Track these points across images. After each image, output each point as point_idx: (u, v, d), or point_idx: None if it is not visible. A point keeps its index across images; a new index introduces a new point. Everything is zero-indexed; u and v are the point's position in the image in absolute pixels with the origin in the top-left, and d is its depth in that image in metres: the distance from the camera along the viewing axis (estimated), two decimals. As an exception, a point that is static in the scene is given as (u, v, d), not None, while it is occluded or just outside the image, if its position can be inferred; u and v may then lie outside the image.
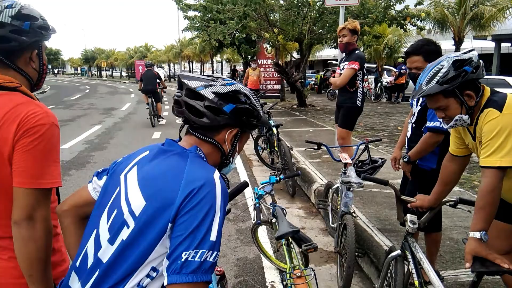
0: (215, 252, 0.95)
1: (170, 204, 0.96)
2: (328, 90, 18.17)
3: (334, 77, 4.60)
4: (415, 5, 11.46)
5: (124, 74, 64.10)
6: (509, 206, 1.90)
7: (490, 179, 1.63)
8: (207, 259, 0.93)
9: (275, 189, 5.02)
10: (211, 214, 0.96)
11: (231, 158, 1.20)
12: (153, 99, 10.67)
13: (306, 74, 25.13)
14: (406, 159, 2.63)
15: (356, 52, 4.40)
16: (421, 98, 2.56)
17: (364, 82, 15.62)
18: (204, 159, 1.12)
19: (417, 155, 2.54)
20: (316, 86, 23.89)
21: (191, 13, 14.36)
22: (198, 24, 14.39)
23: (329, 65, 24.58)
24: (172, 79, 49.39)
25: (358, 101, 4.42)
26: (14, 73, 1.24)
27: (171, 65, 52.97)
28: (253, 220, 2.80)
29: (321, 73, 25.09)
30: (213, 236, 0.94)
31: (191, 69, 43.62)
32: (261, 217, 2.70)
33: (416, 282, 1.95)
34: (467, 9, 12.80)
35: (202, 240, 0.93)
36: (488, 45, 23.80)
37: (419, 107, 2.65)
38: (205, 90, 1.10)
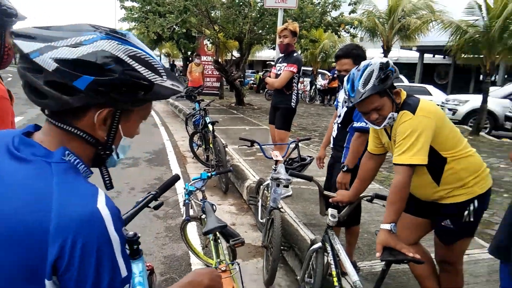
0: (129, 284, 0.76)
1: (38, 260, 0.67)
2: (266, 90, 18.48)
3: (270, 76, 4.63)
4: (349, 13, 12.08)
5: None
6: (418, 201, 2.09)
7: (401, 176, 1.78)
8: None
9: (209, 186, 5.05)
10: (107, 257, 0.71)
11: (113, 147, 0.85)
12: None
13: (246, 74, 25.33)
14: (345, 169, 2.60)
15: (295, 54, 4.47)
16: (345, 101, 2.71)
17: (300, 85, 16.09)
18: (80, 166, 0.79)
19: (353, 160, 2.57)
20: (255, 85, 24.18)
21: (128, 3, 13.80)
22: (136, 15, 13.86)
23: (268, 66, 25.00)
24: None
25: (292, 103, 4.49)
26: None
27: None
28: (183, 217, 2.78)
29: (260, 74, 25.44)
30: (123, 272, 0.74)
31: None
32: (191, 214, 2.69)
33: (334, 272, 2.07)
34: (395, 20, 13.76)
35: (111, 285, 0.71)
36: (413, 55, 25.81)
37: (345, 109, 2.80)
38: (42, 57, 0.71)
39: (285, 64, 4.39)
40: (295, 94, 4.51)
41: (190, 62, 26.04)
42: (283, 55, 4.52)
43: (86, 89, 0.72)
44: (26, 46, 0.71)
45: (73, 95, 0.73)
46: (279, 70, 4.48)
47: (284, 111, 4.51)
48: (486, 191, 1.96)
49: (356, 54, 2.66)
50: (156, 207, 1.73)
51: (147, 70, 0.78)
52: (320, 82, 18.57)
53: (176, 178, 2.03)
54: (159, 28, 11.59)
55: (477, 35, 9.37)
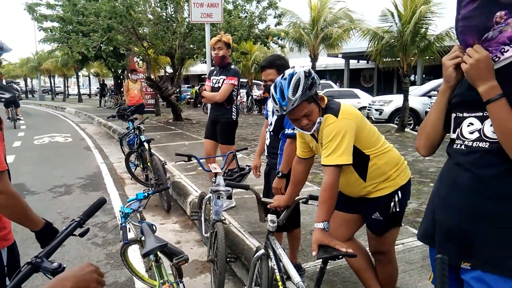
0: None
1: None
2: (204, 104, 18.43)
3: (205, 90, 4.49)
4: (275, 25, 12.53)
5: (-34, 91, 54.49)
6: (347, 198, 2.21)
7: (329, 176, 1.88)
8: None
9: (151, 206, 4.91)
10: None
11: None
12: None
13: (182, 89, 25.08)
14: (280, 175, 2.67)
15: (232, 67, 4.40)
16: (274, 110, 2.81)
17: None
18: None
19: (287, 165, 2.64)
20: (192, 100, 24.03)
21: (48, 24, 13.08)
22: (57, 36, 13.16)
23: (204, 80, 24.96)
24: (30, 95, 43.95)
25: (233, 116, 4.42)
26: None
27: (28, 80, 47.11)
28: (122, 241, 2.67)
29: (197, 88, 25.33)
30: None
31: (52, 84, 39.39)
32: (131, 236, 2.59)
33: (278, 277, 2.12)
34: (318, 30, 14.51)
35: None
36: (339, 62, 27.31)
37: (275, 117, 2.90)
38: None
39: (223, 77, 4.30)
40: (235, 107, 4.46)
41: (121, 80, 25.39)
42: (218, 67, 4.41)
43: None
44: None
45: None
46: (216, 83, 4.36)
47: (226, 125, 4.42)
48: (407, 181, 2.13)
49: (279, 64, 2.77)
50: (81, 234, 1.64)
51: None
52: (256, 92, 18.95)
53: (101, 201, 1.94)
54: (83, 47, 11.11)
55: (393, 40, 10.19)
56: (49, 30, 13.24)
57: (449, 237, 1.40)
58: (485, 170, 1.31)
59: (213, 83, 4.41)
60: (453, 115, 1.42)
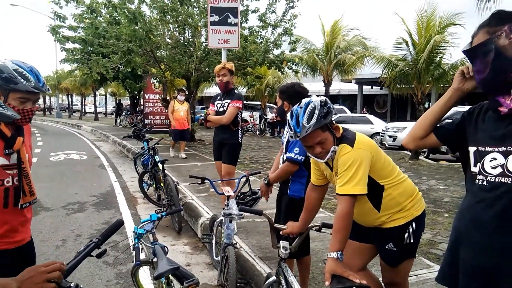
0: None
1: None
2: (216, 125, 18.62)
3: (209, 114, 4.68)
4: (290, 51, 12.74)
5: None
6: (362, 228, 2.20)
7: (344, 205, 1.88)
8: None
9: (162, 227, 4.93)
10: None
11: None
12: None
13: (196, 110, 25.43)
14: (266, 182, 2.98)
15: (236, 91, 4.62)
16: (287, 134, 2.87)
17: (250, 118, 16.51)
18: None
19: (275, 180, 2.91)
20: (205, 121, 24.27)
21: (70, 45, 13.54)
22: (78, 57, 13.60)
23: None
24: (47, 112, 45.04)
25: (239, 138, 4.62)
26: None
27: (47, 98, 48.39)
28: (134, 262, 2.68)
29: (205, 111, 25.61)
30: None
31: (70, 102, 40.35)
32: (142, 257, 2.61)
33: (289, 305, 2.10)
34: (332, 56, 14.71)
35: None
36: (353, 87, 27.44)
37: (285, 140, 2.96)
38: None
39: (228, 101, 4.49)
40: (240, 129, 4.65)
41: (137, 100, 25.89)
42: (221, 93, 4.62)
43: None
44: None
45: None
46: (220, 107, 4.56)
47: (233, 147, 4.59)
48: (422, 212, 2.12)
49: (279, 90, 3.06)
50: (99, 255, 1.67)
51: None
52: (269, 115, 19.11)
53: (119, 223, 1.97)
54: (102, 69, 11.45)
55: (407, 68, 10.26)
56: (70, 51, 13.69)
57: (475, 277, 1.37)
58: (510, 206, 1.30)
59: (217, 107, 4.61)
60: (473, 148, 1.42)
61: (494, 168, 1.35)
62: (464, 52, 1.33)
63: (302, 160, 2.73)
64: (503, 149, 1.32)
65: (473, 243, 1.39)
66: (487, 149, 1.37)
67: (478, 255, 1.37)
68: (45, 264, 1.22)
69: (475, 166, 1.41)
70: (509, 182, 1.30)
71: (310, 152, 2.05)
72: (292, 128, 1.98)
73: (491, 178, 1.35)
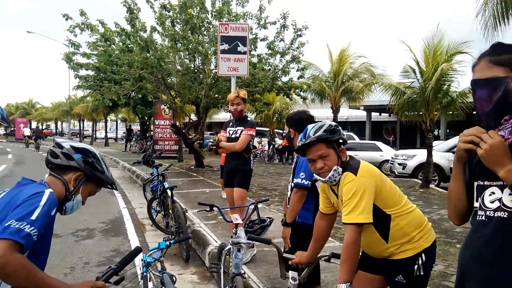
0: (33, 227, 1.35)
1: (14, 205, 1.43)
2: (225, 151, 18.70)
3: (221, 140, 4.66)
4: (298, 78, 12.93)
5: (0, 131, 57.32)
6: (371, 259, 2.18)
7: (350, 234, 1.88)
8: (25, 229, 1.33)
9: (170, 255, 4.89)
10: (35, 205, 1.40)
11: (73, 196, 1.66)
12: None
13: (204, 135, 25.65)
14: (282, 222, 2.83)
15: (249, 119, 4.67)
16: (295, 161, 2.94)
17: (258, 145, 16.50)
18: (46, 185, 1.57)
19: (291, 214, 2.80)
20: (214, 147, 24.39)
21: (83, 72, 13.91)
22: (91, 83, 13.94)
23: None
24: (59, 137, 45.63)
25: (251, 165, 4.64)
26: None
27: (59, 123, 49.26)
28: (141, 290, 2.67)
29: (219, 135, 25.85)
30: (33, 216, 1.37)
31: (81, 128, 40.99)
32: (150, 286, 2.59)
33: (298, 338, 2.06)
34: (339, 83, 14.86)
35: (24, 217, 1.36)
36: (361, 114, 27.52)
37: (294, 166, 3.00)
38: (65, 143, 1.67)
39: (241, 128, 4.51)
40: (252, 156, 4.69)
41: (147, 126, 26.21)
42: (234, 119, 4.67)
43: (77, 160, 1.65)
44: (58, 139, 1.76)
45: (70, 160, 1.64)
46: (233, 134, 4.58)
47: (246, 173, 4.58)
48: (432, 244, 2.09)
49: (287, 118, 3.16)
50: (117, 282, 1.70)
51: (103, 165, 1.74)
52: (278, 141, 19.17)
53: (137, 250, 2.01)
54: (114, 95, 11.71)
55: (415, 95, 10.29)
56: (83, 78, 14.06)
57: None
58: (506, 242, 1.29)
59: (229, 134, 4.63)
60: (475, 183, 1.43)
61: (492, 202, 1.35)
62: (476, 81, 1.36)
63: (310, 185, 2.75)
64: (500, 183, 1.33)
65: (476, 278, 1.37)
66: (486, 183, 1.38)
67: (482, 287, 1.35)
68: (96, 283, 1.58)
69: (476, 201, 1.41)
70: (505, 216, 1.30)
71: (312, 168, 2.10)
72: (300, 141, 2.07)
73: (489, 213, 1.35)
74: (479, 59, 1.37)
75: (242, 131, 4.50)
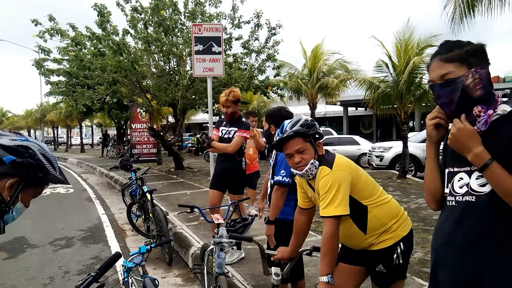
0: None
1: None
2: (205, 152, 18.61)
3: (213, 139, 4.43)
4: (274, 76, 13.00)
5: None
6: (351, 251, 2.22)
7: (329, 227, 1.92)
8: None
9: (152, 259, 4.84)
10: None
11: (12, 207, 1.27)
12: None
13: (184, 137, 25.42)
14: (265, 220, 2.84)
15: (244, 120, 4.48)
16: (274, 158, 2.97)
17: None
18: None
19: (274, 211, 2.82)
20: (193, 148, 24.28)
21: (54, 78, 13.55)
22: (63, 89, 13.60)
23: (205, 128, 25.45)
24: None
25: (243, 166, 4.47)
26: None
27: (32, 131, 47.84)
28: (123, 296, 2.63)
29: (198, 136, 25.78)
30: None
31: (55, 135, 39.94)
32: (132, 292, 2.56)
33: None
34: (315, 80, 15.02)
35: None
36: (338, 109, 27.88)
37: (272, 164, 3.03)
38: None
39: (234, 129, 4.30)
40: (244, 158, 4.49)
41: (124, 130, 25.79)
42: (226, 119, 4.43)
43: (9, 163, 1.18)
44: None
45: (1, 164, 1.18)
46: (226, 134, 4.36)
47: (239, 175, 4.44)
48: (409, 232, 2.14)
49: (266, 114, 3.17)
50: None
51: (48, 163, 1.28)
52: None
53: (117, 256, 1.97)
54: (88, 100, 11.47)
55: (389, 89, 10.51)
56: (55, 84, 13.69)
57: None
58: (475, 226, 1.34)
59: (222, 133, 4.40)
60: (446, 170, 1.48)
61: (461, 187, 1.40)
62: (433, 86, 1.41)
63: (290, 182, 2.77)
64: (468, 168, 1.38)
65: (448, 264, 1.42)
66: (456, 169, 1.43)
67: (453, 276, 1.40)
68: None
69: (447, 187, 1.46)
70: (473, 200, 1.35)
71: (290, 163, 2.13)
72: (277, 136, 2.10)
73: (459, 198, 1.40)
74: (431, 60, 1.43)
75: (235, 132, 4.29)
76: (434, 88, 1.40)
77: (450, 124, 1.40)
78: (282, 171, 2.80)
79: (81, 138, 32.70)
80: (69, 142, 37.09)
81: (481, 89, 1.33)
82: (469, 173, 1.38)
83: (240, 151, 4.38)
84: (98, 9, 11.10)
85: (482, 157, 1.30)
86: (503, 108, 1.37)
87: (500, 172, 1.27)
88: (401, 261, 2.08)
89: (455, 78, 1.34)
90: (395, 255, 2.07)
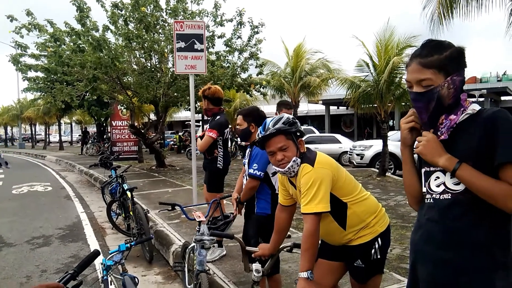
0: None
1: None
2: (187, 149, 18.49)
3: (202, 136, 4.51)
4: (257, 74, 13.00)
5: None
6: (330, 247, 2.26)
7: (310, 224, 1.94)
8: None
9: (133, 257, 4.79)
10: None
11: None
12: None
13: (166, 135, 25.17)
14: (237, 200, 3.18)
15: (217, 118, 4.39)
16: (248, 155, 3.03)
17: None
18: None
19: (245, 196, 3.06)
20: (175, 146, 24.09)
21: (32, 74, 13.19)
22: (41, 85, 13.26)
23: (188, 126, 25.28)
24: (9, 143, 43.23)
25: (219, 164, 4.45)
26: None
27: (8, 128, 46.50)
28: (102, 295, 2.60)
29: (180, 133, 25.60)
30: None
31: (33, 132, 38.94)
32: (111, 290, 2.53)
33: (263, 328, 2.09)
34: (297, 79, 15.12)
35: None
36: (320, 108, 28.11)
37: (247, 161, 3.08)
38: None
39: (207, 127, 4.43)
40: (221, 156, 4.45)
41: (104, 128, 25.33)
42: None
43: None
44: None
45: None
46: (206, 131, 4.46)
47: (211, 173, 4.51)
48: (386, 228, 2.19)
49: (244, 112, 3.25)
50: (75, 287, 1.64)
51: None
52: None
53: (96, 253, 1.95)
54: (67, 97, 11.23)
55: (369, 88, 10.67)
56: (33, 80, 13.33)
57: None
58: (453, 222, 1.39)
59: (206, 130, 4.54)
60: (423, 170, 1.53)
61: (438, 186, 1.45)
62: (410, 92, 1.46)
63: (262, 176, 2.90)
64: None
65: (427, 260, 1.47)
66: (432, 168, 1.48)
67: (432, 271, 1.44)
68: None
69: (424, 186, 1.52)
70: (449, 198, 1.41)
71: (272, 161, 2.14)
72: (259, 134, 2.11)
73: (436, 196, 1.46)
74: (411, 60, 1.47)
75: (207, 131, 4.38)
76: (411, 94, 1.46)
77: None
78: (255, 165, 2.92)
79: (60, 136, 31.96)
80: (47, 140, 36.20)
81: (453, 98, 1.41)
82: (444, 172, 1.43)
83: (209, 150, 4.40)
84: (77, 4, 10.85)
85: (450, 164, 1.37)
86: (472, 108, 1.43)
87: (469, 174, 1.33)
88: (379, 256, 2.13)
89: (432, 88, 1.39)
90: (373, 250, 2.11)
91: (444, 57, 1.39)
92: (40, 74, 13.14)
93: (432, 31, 8.43)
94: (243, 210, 3.34)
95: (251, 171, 2.94)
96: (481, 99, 20.30)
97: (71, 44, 11.69)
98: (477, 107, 1.43)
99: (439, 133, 1.44)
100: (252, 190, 2.98)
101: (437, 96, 1.39)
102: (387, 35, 10.52)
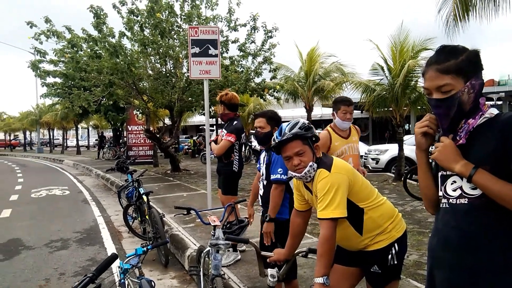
0: None
1: None
2: (201, 154, 18.60)
3: (216, 140, 4.65)
4: (271, 79, 13.02)
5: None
6: (346, 252, 2.24)
7: (326, 229, 1.93)
8: None
9: (148, 261, 4.84)
10: None
11: None
12: None
13: (180, 139, 25.36)
14: (267, 219, 2.90)
15: (235, 123, 4.49)
16: (265, 159, 3.01)
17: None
18: None
19: (274, 210, 2.89)
20: (190, 150, 24.26)
21: (50, 80, 13.49)
22: (59, 91, 13.55)
23: (202, 130, 25.45)
24: (28, 148, 44.20)
25: (235, 168, 4.54)
26: None
27: (27, 133, 47.60)
28: (119, 298, 2.63)
29: (195, 138, 25.76)
30: None
31: (51, 137, 39.76)
32: (128, 293, 2.56)
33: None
34: (311, 83, 15.07)
35: None
36: (334, 112, 27.84)
37: (264, 165, 3.07)
38: None
39: (225, 132, 4.47)
40: (237, 160, 4.56)
41: (120, 132, 25.69)
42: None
43: None
44: None
45: None
46: (223, 136, 4.51)
47: (226, 176, 4.58)
48: (403, 233, 2.17)
49: (270, 115, 3.18)
50: None
51: None
52: (254, 142, 19.21)
53: (113, 257, 1.99)
54: (84, 102, 11.45)
55: (384, 92, 10.57)
56: (51, 86, 13.63)
57: None
58: (469, 227, 1.37)
59: (222, 135, 4.59)
60: (439, 173, 1.51)
61: (454, 190, 1.44)
62: (430, 99, 1.44)
63: (287, 179, 2.83)
64: None
65: (445, 265, 1.45)
66: (448, 172, 1.47)
67: (449, 276, 1.43)
68: None
69: (440, 190, 1.50)
70: (465, 202, 1.39)
71: (288, 166, 2.14)
72: (276, 138, 2.11)
73: (452, 200, 1.44)
74: (427, 67, 1.45)
75: (224, 135, 4.44)
76: (431, 101, 1.44)
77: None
78: (279, 169, 2.88)
79: (77, 140, 32.55)
80: (65, 144, 36.91)
81: (473, 102, 1.40)
82: (461, 177, 1.41)
83: (226, 154, 4.48)
84: (94, 11, 11.08)
85: (465, 170, 1.36)
86: (491, 112, 1.42)
87: (485, 179, 1.32)
88: (395, 262, 2.11)
89: (453, 95, 1.38)
90: (389, 256, 2.09)
91: (461, 61, 1.37)
92: (58, 80, 13.44)
93: (448, 34, 8.32)
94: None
95: (277, 176, 2.88)
96: (499, 102, 19.87)
97: (88, 50, 11.94)
98: (495, 111, 1.42)
99: (457, 138, 1.43)
100: (281, 195, 2.90)
101: (458, 102, 1.38)
102: (402, 37, 10.41)
